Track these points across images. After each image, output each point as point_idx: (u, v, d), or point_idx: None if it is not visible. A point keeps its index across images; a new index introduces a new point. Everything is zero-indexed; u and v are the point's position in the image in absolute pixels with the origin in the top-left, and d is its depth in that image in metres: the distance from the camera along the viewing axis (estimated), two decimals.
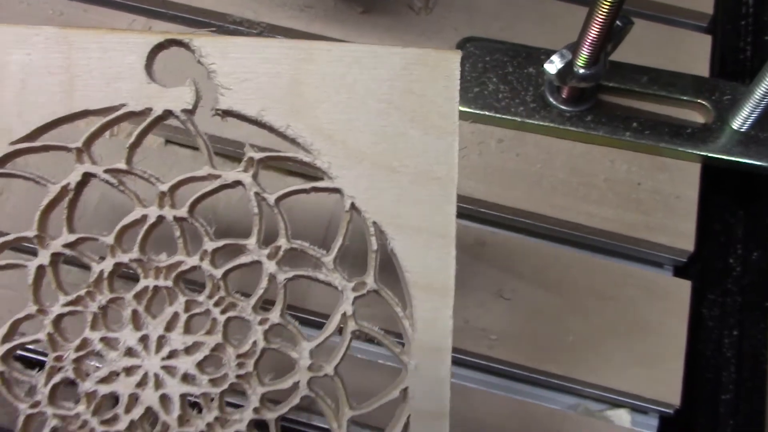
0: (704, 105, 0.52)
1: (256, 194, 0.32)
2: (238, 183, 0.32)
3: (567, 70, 0.48)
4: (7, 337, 0.32)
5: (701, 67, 0.55)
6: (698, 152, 0.51)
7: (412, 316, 0.32)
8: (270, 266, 0.32)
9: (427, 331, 0.32)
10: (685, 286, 0.50)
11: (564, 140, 0.52)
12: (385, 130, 0.32)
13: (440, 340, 0.32)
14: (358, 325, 0.32)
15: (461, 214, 0.49)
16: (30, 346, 0.33)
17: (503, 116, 0.51)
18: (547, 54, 0.49)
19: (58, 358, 0.32)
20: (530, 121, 0.51)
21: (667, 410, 0.48)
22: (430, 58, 0.32)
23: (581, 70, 0.48)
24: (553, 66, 0.48)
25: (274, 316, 0.32)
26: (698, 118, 0.53)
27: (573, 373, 0.48)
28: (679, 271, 0.52)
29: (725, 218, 0.53)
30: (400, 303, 0.32)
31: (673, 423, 0.50)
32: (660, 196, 0.51)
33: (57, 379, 0.32)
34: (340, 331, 0.33)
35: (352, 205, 0.32)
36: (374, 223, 0.32)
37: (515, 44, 0.54)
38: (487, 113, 0.51)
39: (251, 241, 0.32)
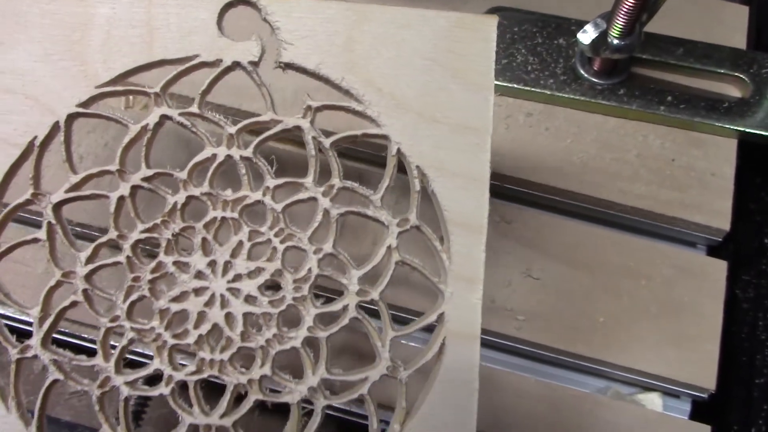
0: (742, 78, 0.77)
1: (314, 138, 0.57)
2: (297, 128, 0.57)
3: (601, 41, 0.73)
4: (90, 259, 0.57)
5: (738, 39, 0.80)
6: (735, 127, 0.75)
7: (449, 250, 0.56)
8: (324, 202, 0.57)
9: (462, 264, 0.55)
10: (720, 266, 0.74)
11: (595, 114, 0.77)
12: (428, 85, 0.57)
13: (473, 272, 0.55)
14: (401, 257, 0.57)
15: None
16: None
17: (532, 89, 0.76)
18: (578, 25, 0.75)
19: (136, 279, 0.57)
20: (560, 95, 0.76)
21: (701, 394, 0.72)
22: (470, 22, 0.57)
23: (615, 41, 0.72)
24: (587, 36, 0.73)
25: (327, 246, 0.57)
26: (735, 92, 0.78)
27: (603, 355, 0.72)
28: (713, 251, 0.77)
29: (761, 197, 0.78)
30: (438, 239, 0.57)
31: (706, 407, 0.73)
32: (695, 172, 0.76)
33: (134, 297, 0.57)
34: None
35: (398, 150, 0.57)
36: (417, 166, 0.56)
37: (545, 14, 0.79)
38: (515, 86, 0.77)
39: (308, 180, 0.57)
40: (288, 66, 0.58)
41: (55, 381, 0.56)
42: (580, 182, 0.75)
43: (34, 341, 0.56)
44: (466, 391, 0.55)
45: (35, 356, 0.56)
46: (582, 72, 0.76)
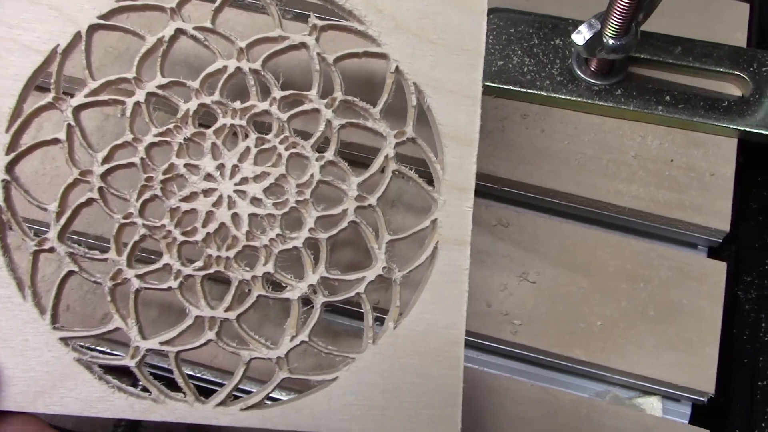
0: (741, 77, 1.05)
1: (318, 54, 0.88)
2: (303, 44, 0.88)
3: (596, 41, 1.00)
4: (106, 159, 0.86)
5: (738, 37, 1.08)
6: (735, 126, 1.03)
7: (442, 161, 0.82)
8: (327, 113, 0.87)
9: (455, 174, 0.81)
10: (720, 268, 1.01)
11: (592, 115, 1.06)
12: (426, 8, 0.83)
13: (465, 182, 0.81)
14: (397, 166, 0.87)
15: (483, 193, 1.01)
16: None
17: (528, 90, 1.05)
18: (575, 25, 1.03)
19: (149, 179, 0.86)
20: (557, 96, 1.05)
21: (700, 398, 0.98)
22: None
23: (611, 41, 1.00)
24: (581, 36, 1.01)
25: (329, 154, 0.87)
26: (735, 90, 1.06)
27: (601, 359, 0.98)
28: (714, 252, 1.04)
29: (763, 195, 1.04)
30: (432, 151, 0.86)
31: (706, 411, 0.98)
32: (694, 173, 1.04)
33: (147, 196, 0.85)
34: (382, 170, 0.88)
35: (397, 68, 0.84)
36: (414, 83, 0.83)
37: (541, 14, 1.08)
38: (511, 88, 1.06)
39: (312, 92, 0.88)
40: None
41: (70, 273, 0.80)
42: (577, 184, 1.02)
43: (51, 234, 0.80)
44: (456, 291, 0.80)
45: (52, 248, 0.80)
46: (579, 73, 1.05)
